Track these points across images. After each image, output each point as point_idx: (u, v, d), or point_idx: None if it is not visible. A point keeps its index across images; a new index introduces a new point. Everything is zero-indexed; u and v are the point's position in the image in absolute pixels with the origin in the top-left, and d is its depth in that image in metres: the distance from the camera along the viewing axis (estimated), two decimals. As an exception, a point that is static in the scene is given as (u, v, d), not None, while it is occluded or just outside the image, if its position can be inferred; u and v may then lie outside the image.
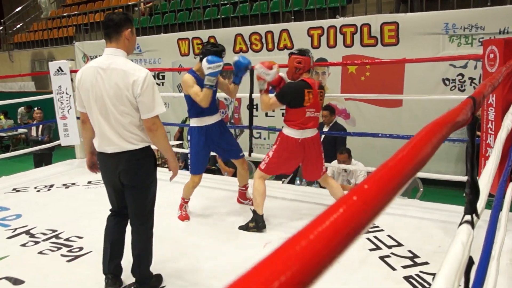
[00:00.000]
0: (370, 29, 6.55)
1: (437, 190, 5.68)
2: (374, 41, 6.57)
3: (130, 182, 2.50)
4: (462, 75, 6.17)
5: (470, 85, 6.12)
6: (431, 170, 5.31)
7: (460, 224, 0.95)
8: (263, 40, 7.51)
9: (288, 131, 3.36)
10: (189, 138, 3.73)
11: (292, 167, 3.56)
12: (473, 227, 0.94)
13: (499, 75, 1.85)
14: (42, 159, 7.20)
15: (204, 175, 5.17)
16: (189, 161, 3.77)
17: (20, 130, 10.89)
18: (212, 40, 8.00)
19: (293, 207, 3.90)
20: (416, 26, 6.24)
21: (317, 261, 0.41)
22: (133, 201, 2.57)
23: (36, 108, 8.04)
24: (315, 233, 0.43)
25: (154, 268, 2.76)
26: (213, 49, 3.41)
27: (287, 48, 7.29)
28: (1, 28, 14.07)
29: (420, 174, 4.02)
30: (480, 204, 0.97)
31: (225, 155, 4.03)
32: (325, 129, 5.66)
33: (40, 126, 7.76)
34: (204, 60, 3.27)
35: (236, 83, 3.66)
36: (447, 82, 6.26)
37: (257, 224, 3.38)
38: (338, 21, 6.87)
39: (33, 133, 7.84)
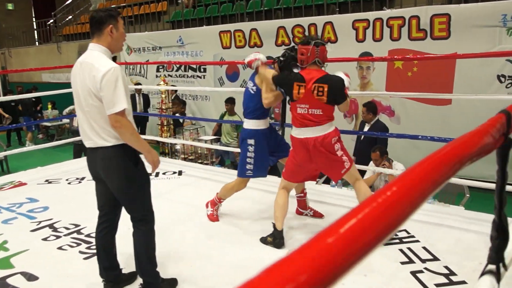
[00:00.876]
0: (419, 22, 6.15)
1: (481, 195, 5.25)
2: (423, 34, 6.17)
3: (110, 183, 2.47)
4: (521, 71, 5.67)
5: (529, 82, 5.63)
6: (476, 175, 4.96)
7: (482, 274, 0.74)
8: (306, 33, 7.26)
9: (292, 131, 3.10)
10: (251, 142, 3.41)
11: (308, 171, 3.16)
12: (498, 280, 0.72)
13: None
14: (82, 149, 7.34)
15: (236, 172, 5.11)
16: (248, 165, 3.44)
17: (65, 120, 11.20)
18: (254, 33, 7.86)
19: (322, 211, 3.69)
20: (470, 18, 5.79)
21: (332, 266, 0.44)
22: (122, 202, 2.55)
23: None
24: (332, 238, 0.46)
25: (169, 272, 2.68)
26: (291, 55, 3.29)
27: (330, 41, 7.00)
28: (52, 21, 14.54)
29: (458, 181, 3.70)
30: (511, 251, 0.76)
31: (276, 157, 3.65)
32: (366, 128, 5.36)
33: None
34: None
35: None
36: (502, 79, 5.78)
37: (274, 240, 3.08)
38: (385, 13, 6.51)
39: (75, 123, 8.01)
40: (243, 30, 8.07)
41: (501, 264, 0.73)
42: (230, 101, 6.83)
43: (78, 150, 7.34)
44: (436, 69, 6.12)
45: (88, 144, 2.47)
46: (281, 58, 3.31)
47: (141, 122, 8.28)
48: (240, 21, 8.64)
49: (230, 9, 9.42)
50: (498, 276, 0.72)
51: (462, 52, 5.01)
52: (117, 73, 2.31)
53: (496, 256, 0.73)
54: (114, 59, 2.50)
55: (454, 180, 3.57)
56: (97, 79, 2.29)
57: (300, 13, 8.18)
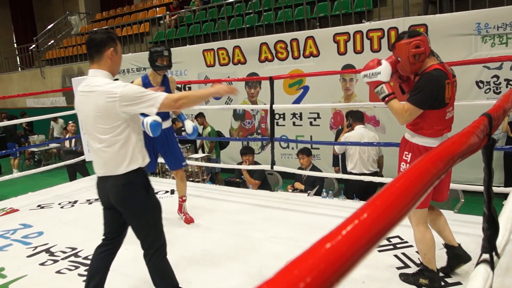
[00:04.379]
0: (398, 33, 6.32)
1: (476, 199, 5.38)
2: (403, 44, 6.34)
3: (121, 210, 2.44)
4: (497, 76, 5.86)
5: (506, 87, 5.82)
6: (468, 178, 5.10)
7: (477, 264, 0.81)
8: (289, 48, 7.41)
9: (426, 141, 2.47)
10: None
11: (442, 188, 2.64)
12: (492, 268, 0.79)
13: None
14: (76, 170, 7.30)
15: (229, 188, 5.18)
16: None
17: (52, 145, 11.12)
18: (237, 51, 7.98)
19: (316, 221, 3.75)
20: (446, 28, 5.99)
21: (333, 269, 0.46)
22: (134, 229, 2.51)
23: (70, 122, 8.18)
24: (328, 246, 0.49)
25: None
26: (154, 49, 3.58)
27: (313, 55, 7.16)
28: (34, 46, 14.54)
29: (453, 186, 3.79)
30: (502, 240, 0.83)
31: (168, 163, 3.95)
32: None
33: (73, 139, 7.89)
34: (152, 121, 3.19)
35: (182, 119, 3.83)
36: (481, 84, 5.97)
37: (432, 284, 2.57)
38: (365, 26, 6.69)
39: (67, 144, 8.01)
40: (226, 48, 8.19)
41: (494, 253, 0.80)
42: (201, 115, 7.58)
43: (73, 171, 7.31)
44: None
45: (99, 173, 2.43)
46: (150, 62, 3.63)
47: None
48: (222, 39, 8.76)
49: (212, 27, 9.55)
50: (492, 264, 0.79)
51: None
52: (130, 87, 2.27)
53: (489, 245, 0.80)
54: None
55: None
56: (115, 100, 2.21)
57: (281, 29, 8.35)
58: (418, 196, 0.55)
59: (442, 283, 2.62)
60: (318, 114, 7.37)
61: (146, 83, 3.59)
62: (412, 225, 2.56)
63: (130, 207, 2.39)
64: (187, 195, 4.07)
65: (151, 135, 3.26)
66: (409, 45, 2.39)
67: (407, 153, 2.54)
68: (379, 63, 2.46)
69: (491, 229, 0.80)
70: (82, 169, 7.26)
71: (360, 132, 5.04)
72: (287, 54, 7.44)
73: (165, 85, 3.68)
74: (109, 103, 2.21)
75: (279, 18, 8.58)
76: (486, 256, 0.79)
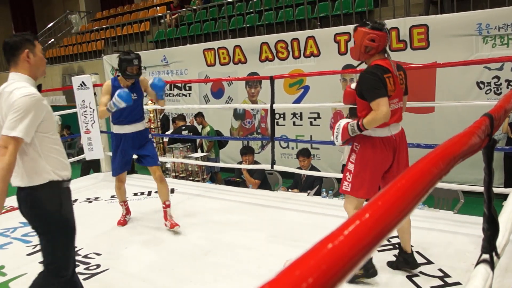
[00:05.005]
0: (399, 33, 6.33)
1: (475, 200, 5.37)
2: (403, 45, 6.35)
3: (31, 224, 2.28)
4: (498, 77, 5.86)
5: (507, 87, 5.81)
6: (468, 179, 5.10)
7: (477, 264, 0.81)
8: (289, 47, 7.40)
9: (370, 131, 2.56)
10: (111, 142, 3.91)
11: (380, 179, 2.70)
12: (492, 268, 0.79)
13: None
14: (90, 166, 7.27)
15: (229, 187, 5.19)
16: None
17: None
18: (238, 50, 7.98)
19: (316, 221, 3.75)
20: (447, 28, 5.99)
21: (335, 269, 0.46)
22: (40, 245, 2.31)
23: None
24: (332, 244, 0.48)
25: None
26: (125, 57, 3.54)
27: (313, 55, 7.16)
28: (34, 44, 14.48)
29: (451, 186, 3.80)
30: (502, 240, 0.83)
31: (143, 162, 3.85)
32: None
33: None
34: (118, 91, 3.38)
35: (160, 99, 3.77)
36: (481, 85, 5.97)
37: (367, 271, 2.64)
38: (365, 26, 6.68)
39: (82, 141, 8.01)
40: (226, 47, 8.19)
41: (494, 253, 0.80)
42: (200, 115, 7.54)
43: (87, 167, 7.29)
44: (417, 78, 6.28)
45: (13, 182, 2.25)
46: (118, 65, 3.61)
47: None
48: (223, 39, 8.76)
49: (212, 27, 9.55)
50: (492, 264, 0.79)
51: (442, 61, 5.16)
52: (33, 102, 2.12)
53: (488, 245, 0.80)
54: (39, 87, 2.34)
55: (448, 185, 3.67)
56: (10, 104, 2.12)
57: (282, 28, 8.35)
58: (420, 196, 0.56)
59: (441, 283, 2.62)
60: (318, 114, 7.37)
61: (116, 86, 3.60)
62: (349, 213, 2.65)
63: (40, 224, 2.25)
64: (170, 197, 3.85)
65: (123, 104, 3.35)
66: (366, 36, 2.47)
67: (356, 144, 2.62)
68: (336, 121, 2.69)
69: (491, 230, 0.80)
70: (96, 166, 7.24)
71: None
72: (287, 53, 7.44)
73: (135, 88, 3.68)
74: (8, 109, 2.14)
75: (280, 18, 8.58)
76: (486, 256, 0.79)
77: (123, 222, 3.97)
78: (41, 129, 2.21)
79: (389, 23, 6.43)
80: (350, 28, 6.83)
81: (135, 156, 3.94)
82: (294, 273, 0.44)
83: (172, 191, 5.00)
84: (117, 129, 3.74)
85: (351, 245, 0.49)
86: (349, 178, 2.62)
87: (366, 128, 2.50)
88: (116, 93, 3.38)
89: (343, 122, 2.63)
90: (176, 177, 6.12)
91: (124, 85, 3.63)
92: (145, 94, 3.83)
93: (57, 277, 2.32)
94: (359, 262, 0.49)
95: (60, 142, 2.35)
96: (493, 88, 5.91)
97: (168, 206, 3.79)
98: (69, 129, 11.91)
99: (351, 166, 2.62)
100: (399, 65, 2.62)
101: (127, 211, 4.06)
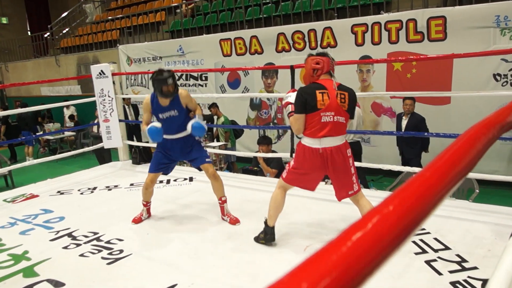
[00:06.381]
0: (416, 25, 6.35)
1: (490, 191, 5.43)
2: (421, 36, 6.36)
3: None
4: (515, 70, 5.86)
5: (524, 80, 5.81)
6: (482, 170, 5.12)
7: (511, 236, 0.89)
8: (306, 38, 7.44)
9: (303, 139, 2.97)
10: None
11: (313, 181, 3.12)
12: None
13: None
14: (103, 154, 7.42)
15: (247, 176, 5.26)
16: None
17: (66, 133, 11.25)
18: (254, 40, 8.02)
19: (337, 211, 3.82)
20: (465, 20, 5.99)
21: (362, 262, 0.42)
22: None
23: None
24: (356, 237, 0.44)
25: (186, 269, 2.75)
26: (158, 78, 3.50)
27: (330, 46, 7.19)
28: (48, 33, 14.63)
29: (469, 175, 3.84)
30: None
31: (195, 163, 3.84)
32: (404, 121, 5.83)
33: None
34: (149, 127, 3.55)
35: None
36: (498, 77, 5.97)
37: (265, 236, 3.19)
38: (383, 17, 6.70)
39: (94, 130, 8.18)
40: (243, 37, 8.24)
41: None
42: (214, 106, 7.62)
43: (100, 155, 7.44)
44: (434, 70, 6.30)
45: None
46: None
47: (135, 131, 8.39)
48: (239, 29, 8.80)
49: (229, 17, 9.58)
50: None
51: (459, 53, 5.17)
52: None
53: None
54: None
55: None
56: None
57: (299, 19, 8.36)
58: (476, 158, 0.60)
59: (459, 267, 2.69)
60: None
61: (155, 103, 3.62)
62: (276, 187, 3.19)
63: None
64: (208, 182, 4.03)
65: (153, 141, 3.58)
66: (312, 61, 2.94)
67: (297, 146, 3.05)
68: (293, 91, 3.04)
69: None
70: (107, 155, 7.37)
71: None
72: (304, 44, 7.48)
73: (175, 103, 3.62)
74: None
75: (297, 8, 8.59)
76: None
77: (137, 220, 3.88)
78: None
79: (407, 14, 6.45)
80: (367, 19, 6.85)
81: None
82: (315, 268, 0.40)
83: (191, 179, 5.10)
84: (165, 136, 3.70)
85: (376, 238, 0.44)
86: (287, 169, 3.13)
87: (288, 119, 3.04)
88: (147, 129, 3.54)
89: (293, 97, 2.99)
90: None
91: (162, 102, 3.59)
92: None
93: None
94: (386, 259, 0.45)
95: None
96: (510, 80, 5.92)
97: (225, 201, 3.77)
98: (73, 118, 12.04)
99: (291, 161, 3.10)
100: (344, 86, 2.97)
101: (148, 212, 3.98)
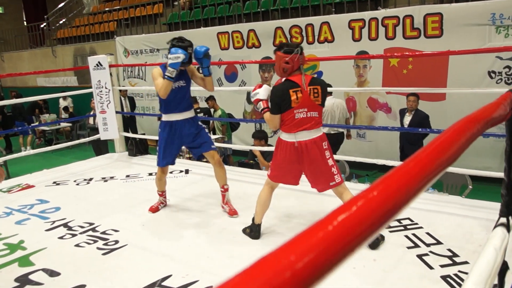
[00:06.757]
0: (413, 21, 6.37)
1: (483, 187, 5.48)
2: (417, 33, 6.39)
3: None
4: (510, 67, 5.91)
5: (519, 77, 5.86)
6: (476, 167, 5.18)
7: (495, 227, 0.92)
8: (303, 33, 7.45)
9: (281, 135, 3.07)
10: (159, 131, 3.79)
11: (295, 175, 3.18)
12: (508, 230, 0.91)
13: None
14: (100, 147, 7.43)
15: (242, 169, 5.29)
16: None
17: (62, 124, 11.22)
18: (252, 34, 8.04)
19: (332, 204, 3.86)
20: (461, 17, 6.02)
21: (337, 247, 0.45)
22: None
23: (92, 99, 8.34)
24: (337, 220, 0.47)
25: (189, 261, 2.78)
26: (178, 44, 3.43)
27: (327, 41, 7.22)
28: (45, 24, 14.54)
29: (461, 171, 3.89)
30: (518, 207, 0.94)
31: (200, 149, 3.80)
32: (407, 117, 5.85)
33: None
34: (170, 51, 3.38)
35: (206, 74, 3.64)
36: (493, 75, 6.02)
37: (250, 232, 3.29)
38: (380, 13, 6.72)
39: (90, 121, 8.16)
40: (241, 31, 8.24)
41: (510, 217, 0.91)
42: (211, 98, 7.60)
43: (97, 147, 7.45)
44: (430, 66, 6.34)
45: None
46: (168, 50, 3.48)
47: (130, 123, 8.42)
48: (237, 22, 8.80)
49: (227, 10, 9.58)
50: (508, 227, 0.90)
51: (454, 50, 5.22)
52: None
53: (506, 210, 0.91)
54: None
55: (458, 170, 3.76)
56: None
57: (296, 13, 8.37)
58: (458, 152, 0.64)
59: (450, 262, 2.74)
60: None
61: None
62: (262, 190, 3.25)
63: None
64: (204, 174, 4.10)
65: (180, 56, 3.33)
66: (281, 60, 2.96)
67: (276, 143, 3.14)
68: (260, 86, 3.13)
69: (509, 195, 0.91)
70: (104, 146, 7.39)
71: (331, 102, 6.18)
72: (301, 39, 7.49)
73: (183, 74, 3.62)
74: None
75: (295, 3, 8.60)
76: (503, 220, 0.91)
77: (154, 209, 3.91)
78: None
79: (403, 10, 6.48)
80: (365, 14, 6.87)
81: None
82: (297, 246, 0.44)
83: (187, 171, 5.12)
84: (167, 117, 3.69)
85: (359, 221, 0.48)
86: (270, 166, 3.22)
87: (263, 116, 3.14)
88: (169, 51, 3.38)
89: (262, 94, 3.11)
90: (190, 158, 6.24)
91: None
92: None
93: None
94: (365, 239, 0.49)
95: None
96: (504, 77, 5.97)
97: (227, 190, 3.76)
98: (67, 110, 12.01)
99: (274, 158, 3.17)
100: (316, 79, 3.03)
101: (164, 202, 4.02)
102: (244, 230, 3.35)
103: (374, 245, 2.94)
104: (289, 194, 3.97)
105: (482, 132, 0.75)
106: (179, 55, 3.33)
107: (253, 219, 3.29)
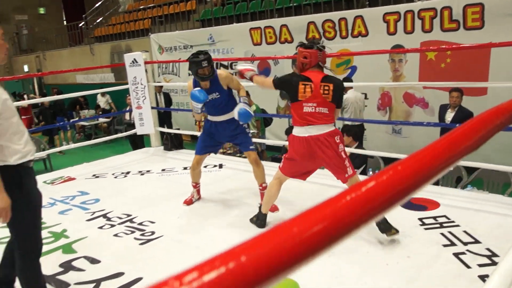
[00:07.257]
0: (451, 13, 6.17)
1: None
2: (456, 25, 6.18)
3: None
4: (556, 59, 5.63)
5: None
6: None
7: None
8: (336, 27, 7.35)
9: (294, 130, 3.13)
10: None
11: (306, 169, 3.25)
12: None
13: None
14: (136, 141, 7.63)
15: (275, 164, 5.25)
16: None
17: (101, 120, 11.52)
18: (284, 29, 7.99)
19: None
20: (503, 7, 5.77)
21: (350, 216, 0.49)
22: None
23: (128, 95, 8.52)
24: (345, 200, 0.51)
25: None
26: (193, 60, 3.52)
27: (361, 35, 7.09)
28: (83, 23, 14.97)
29: (503, 168, 3.75)
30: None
31: (239, 147, 4.01)
32: (449, 113, 5.67)
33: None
34: (191, 93, 3.57)
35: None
36: (538, 67, 5.75)
37: (257, 220, 3.42)
38: (416, 5, 6.54)
39: (126, 117, 8.35)
40: (273, 26, 8.21)
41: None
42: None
43: (133, 141, 7.68)
44: (470, 59, 6.12)
45: None
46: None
47: (165, 119, 8.50)
48: (269, 18, 8.77)
49: (259, 6, 9.56)
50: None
51: (497, 42, 5.00)
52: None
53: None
54: None
55: (500, 167, 3.63)
56: None
57: (329, 8, 8.26)
58: (482, 141, 0.61)
59: (489, 261, 2.64)
60: (365, 94, 7.32)
61: (197, 86, 3.67)
62: (271, 182, 3.37)
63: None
64: (237, 169, 4.13)
65: (199, 104, 3.56)
66: (301, 54, 3.05)
67: (288, 140, 3.22)
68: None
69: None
70: (140, 141, 7.57)
71: (354, 95, 6.28)
72: (335, 33, 7.39)
73: (215, 86, 3.65)
74: None
75: (327, -3, 8.49)
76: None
77: (189, 202, 4.00)
78: None
79: (441, 2, 6.28)
80: (400, 7, 6.71)
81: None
82: (309, 217, 0.48)
83: (221, 166, 5.17)
84: (209, 117, 3.85)
85: (368, 199, 0.51)
86: (282, 159, 3.28)
87: (252, 81, 3.44)
88: (191, 94, 3.56)
89: (250, 65, 3.51)
90: (224, 153, 6.29)
91: (203, 84, 3.63)
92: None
93: (30, 259, 2.35)
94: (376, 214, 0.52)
95: (17, 126, 2.28)
96: (551, 70, 5.70)
97: (265, 188, 3.72)
98: (98, 108, 12.33)
99: (288, 152, 3.22)
100: (330, 78, 3.09)
101: (198, 194, 4.09)
102: (251, 219, 3.47)
103: (384, 230, 2.95)
104: (298, 186, 3.93)
105: (507, 124, 0.73)
106: (197, 105, 3.56)
107: (259, 208, 3.43)
